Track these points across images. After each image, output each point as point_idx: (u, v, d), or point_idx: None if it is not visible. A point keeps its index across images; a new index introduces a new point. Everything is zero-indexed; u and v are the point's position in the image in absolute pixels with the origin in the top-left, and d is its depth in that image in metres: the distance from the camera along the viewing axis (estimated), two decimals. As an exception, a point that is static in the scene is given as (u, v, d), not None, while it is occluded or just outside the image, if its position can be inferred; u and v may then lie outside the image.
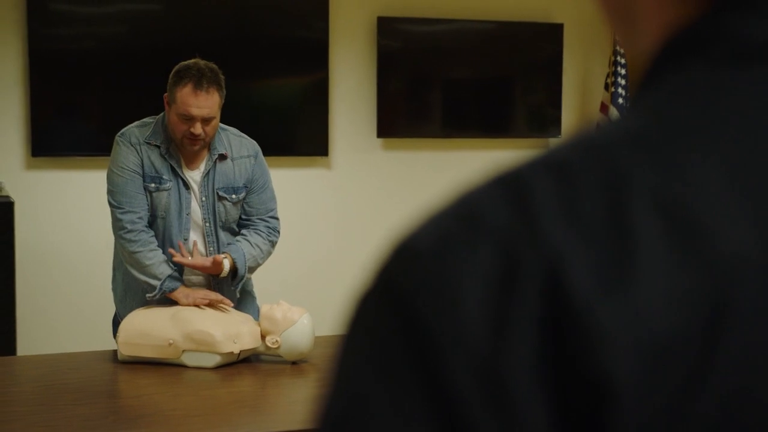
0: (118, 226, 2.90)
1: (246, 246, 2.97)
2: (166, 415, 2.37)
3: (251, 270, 3.00)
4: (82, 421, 2.30)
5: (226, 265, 2.90)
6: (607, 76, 5.07)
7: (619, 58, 4.98)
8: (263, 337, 2.81)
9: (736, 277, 0.39)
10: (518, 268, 0.39)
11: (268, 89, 4.82)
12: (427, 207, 0.44)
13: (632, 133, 0.43)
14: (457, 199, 0.43)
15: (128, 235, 2.87)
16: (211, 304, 2.88)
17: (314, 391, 2.60)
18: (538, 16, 5.19)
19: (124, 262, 2.95)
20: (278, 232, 3.09)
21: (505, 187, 0.42)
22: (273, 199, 3.10)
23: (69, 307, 4.54)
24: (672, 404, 0.38)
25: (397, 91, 4.99)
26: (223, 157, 2.96)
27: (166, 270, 2.86)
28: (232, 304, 2.92)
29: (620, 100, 4.96)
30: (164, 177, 2.90)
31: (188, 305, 2.85)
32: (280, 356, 2.82)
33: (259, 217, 3.05)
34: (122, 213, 2.87)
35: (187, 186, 2.93)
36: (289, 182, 4.73)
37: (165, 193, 2.91)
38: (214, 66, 2.90)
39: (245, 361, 2.83)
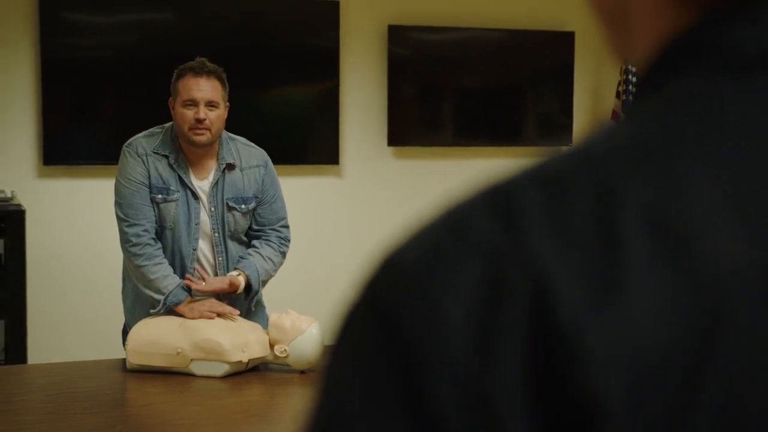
0: (124, 239, 2.90)
1: (258, 260, 2.97)
2: (174, 425, 2.37)
3: (264, 283, 3.01)
4: (90, 430, 2.30)
5: (242, 281, 2.91)
6: (619, 84, 5.06)
7: (630, 66, 4.96)
8: (272, 346, 2.81)
9: (729, 294, 0.38)
10: (505, 283, 0.38)
11: (279, 98, 4.83)
12: (416, 218, 0.43)
13: (626, 143, 0.42)
14: (445, 212, 0.42)
15: (133, 249, 2.87)
16: (218, 315, 2.87)
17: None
18: (549, 24, 5.18)
19: (131, 275, 2.95)
20: (289, 240, 3.09)
21: (494, 199, 0.41)
22: (283, 207, 3.10)
23: (79, 316, 4.55)
24: (662, 422, 0.37)
25: (408, 99, 4.99)
26: (231, 167, 2.96)
27: (171, 284, 2.85)
28: (238, 313, 2.91)
29: (632, 108, 4.94)
30: (171, 188, 2.90)
31: (194, 318, 2.85)
32: (288, 365, 2.82)
33: (271, 227, 3.05)
34: (128, 226, 2.88)
35: (195, 196, 2.93)
36: (300, 191, 4.73)
37: (173, 204, 2.90)
38: (217, 66, 2.91)
39: (254, 370, 2.83)
